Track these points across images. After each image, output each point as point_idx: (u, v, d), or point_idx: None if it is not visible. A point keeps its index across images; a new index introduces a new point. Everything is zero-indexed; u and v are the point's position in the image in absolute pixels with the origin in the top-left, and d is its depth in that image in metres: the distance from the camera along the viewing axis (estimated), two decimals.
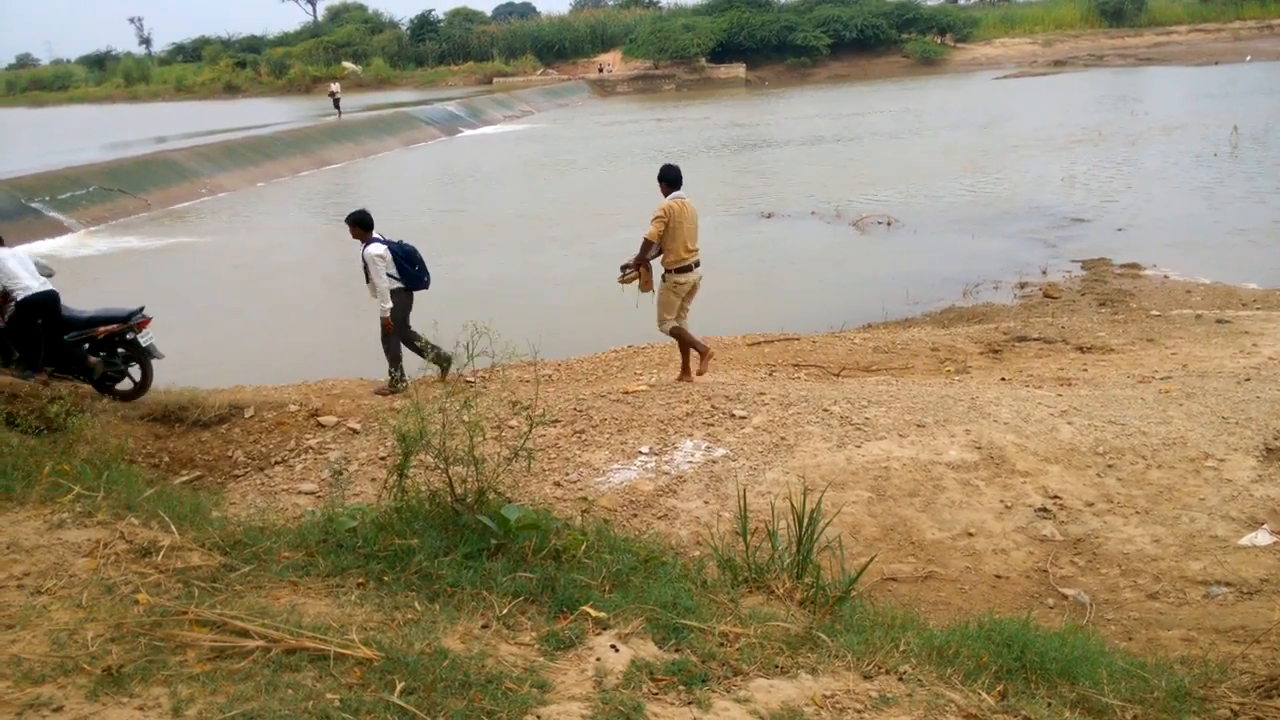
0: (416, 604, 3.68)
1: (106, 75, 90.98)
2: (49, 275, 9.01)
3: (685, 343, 8.53)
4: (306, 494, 6.94)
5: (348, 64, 79.37)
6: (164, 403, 8.40)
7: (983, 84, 57.66)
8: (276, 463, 7.69)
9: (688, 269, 8.02)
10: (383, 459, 7.28)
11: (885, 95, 53.56)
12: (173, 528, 4.18)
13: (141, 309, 9.04)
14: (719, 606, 4.04)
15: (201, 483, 7.38)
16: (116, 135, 40.10)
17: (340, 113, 45.03)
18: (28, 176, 23.66)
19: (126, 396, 8.99)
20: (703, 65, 70.40)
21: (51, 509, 4.47)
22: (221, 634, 3.23)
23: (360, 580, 3.85)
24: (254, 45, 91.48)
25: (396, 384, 8.91)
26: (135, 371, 8.97)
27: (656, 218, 7.89)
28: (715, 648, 3.60)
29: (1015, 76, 60.73)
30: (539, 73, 75.43)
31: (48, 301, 8.68)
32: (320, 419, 8.33)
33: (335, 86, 50.87)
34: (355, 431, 8.10)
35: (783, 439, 7.27)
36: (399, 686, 2.97)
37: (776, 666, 3.50)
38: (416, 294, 8.92)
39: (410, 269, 8.81)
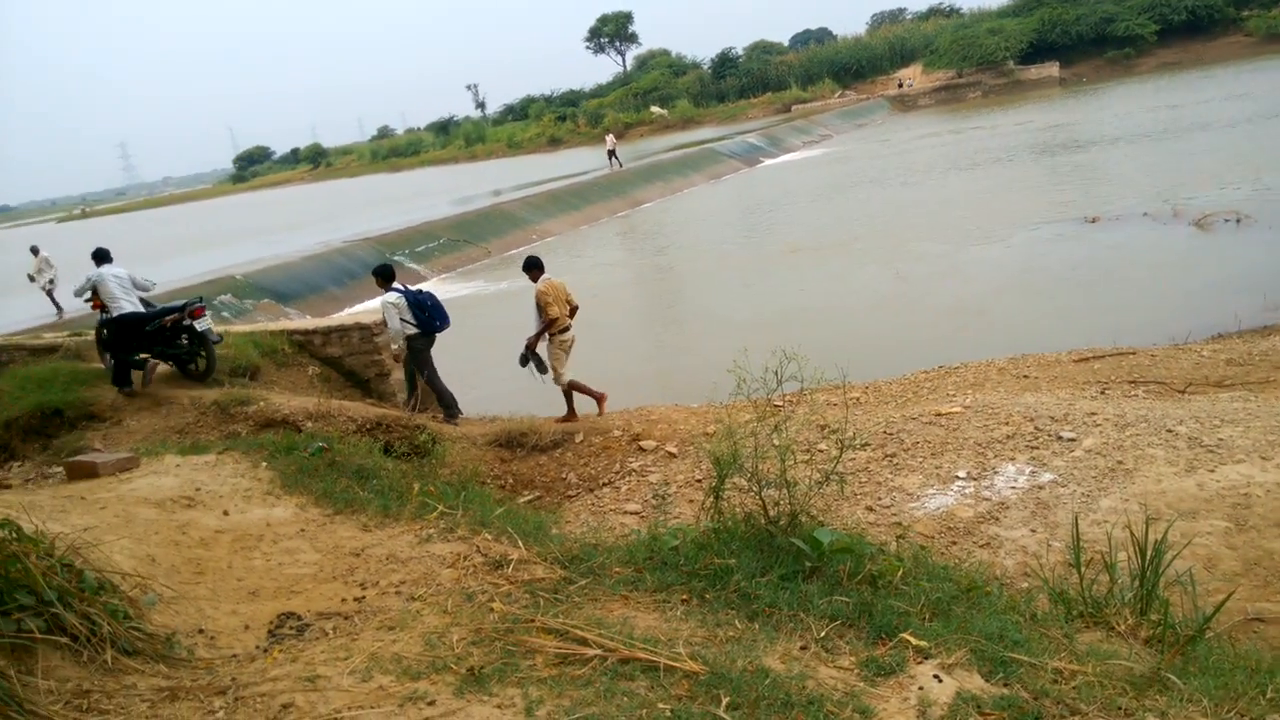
0: (737, 622, 3.82)
1: (449, 139, 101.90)
2: (145, 290, 10.71)
3: (581, 391, 9.84)
4: (631, 514, 7.37)
5: (655, 108, 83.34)
6: (508, 430, 9.29)
7: None
8: (604, 484, 8.23)
9: (567, 329, 9.65)
10: (699, 481, 7.57)
11: (1225, 80, 47.64)
12: (520, 543, 4.65)
13: (199, 299, 10.60)
14: (1051, 641, 3.82)
15: (541, 502, 8.06)
16: (459, 192, 44.75)
17: (619, 165, 41.95)
18: (390, 233, 27.12)
19: (198, 376, 10.55)
20: (1011, 68, 66.64)
21: (421, 525, 5.12)
22: (564, 642, 3.55)
23: (684, 596, 4.06)
24: (573, 99, 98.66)
25: (451, 415, 10.03)
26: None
27: (548, 302, 9.50)
28: (1048, 684, 3.42)
29: None
30: (836, 95, 74.93)
31: (133, 320, 10.29)
32: (641, 443, 8.81)
33: (610, 140, 45.81)
34: (673, 455, 8.49)
35: (1120, 463, 6.70)
36: (724, 701, 3.10)
37: (1119, 708, 3.26)
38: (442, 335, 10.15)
39: (421, 315, 9.83)
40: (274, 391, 10.26)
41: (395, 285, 10.03)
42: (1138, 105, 42.72)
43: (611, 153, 43.55)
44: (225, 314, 18.96)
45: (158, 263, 30.52)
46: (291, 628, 3.92)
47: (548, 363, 9.68)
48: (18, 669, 3.01)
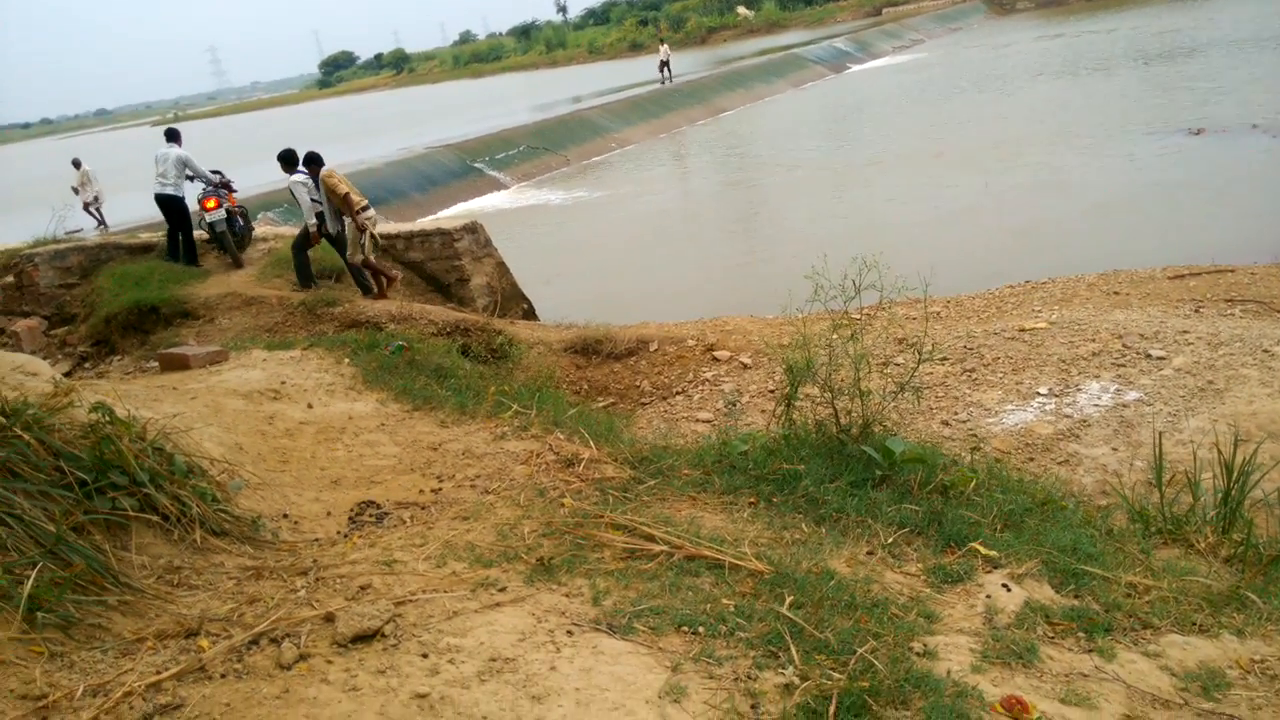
0: (803, 525, 3.84)
1: (531, 44, 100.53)
2: (202, 178, 11.63)
3: (376, 270, 10.41)
4: (703, 422, 7.41)
5: (741, 10, 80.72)
6: (583, 336, 9.37)
7: None
8: (677, 393, 8.27)
9: (367, 207, 10.17)
10: (771, 392, 7.55)
11: None
12: (591, 443, 4.72)
13: (209, 191, 11.42)
14: (1126, 556, 3.76)
15: (614, 409, 8.14)
16: (539, 98, 44.35)
17: (670, 79, 37.05)
18: (471, 140, 27.06)
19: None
20: None
21: (496, 423, 5.23)
22: (632, 537, 3.61)
23: (751, 499, 4.09)
24: (655, 3, 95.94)
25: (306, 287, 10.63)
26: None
27: (334, 184, 9.96)
28: (1121, 598, 3.38)
29: None
30: None
31: (165, 200, 11.38)
32: (715, 354, 8.80)
33: (664, 50, 38.83)
34: (746, 366, 8.47)
35: (1210, 383, 6.45)
36: (788, 600, 3.14)
37: (1194, 624, 3.21)
38: None
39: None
40: (359, 294, 10.48)
41: (299, 169, 10.51)
42: (1256, 10, 39.79)
43: (664, 64, 37.45)
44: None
45: (248, 166, 31.06)
46: (371, 515, 4.08)
47: (348, 238, 10.25)
48: (113, 544, 3.19)
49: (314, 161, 10.37)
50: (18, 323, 11.90)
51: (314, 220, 10.37)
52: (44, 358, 10.41)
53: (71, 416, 3.51)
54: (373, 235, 10.13)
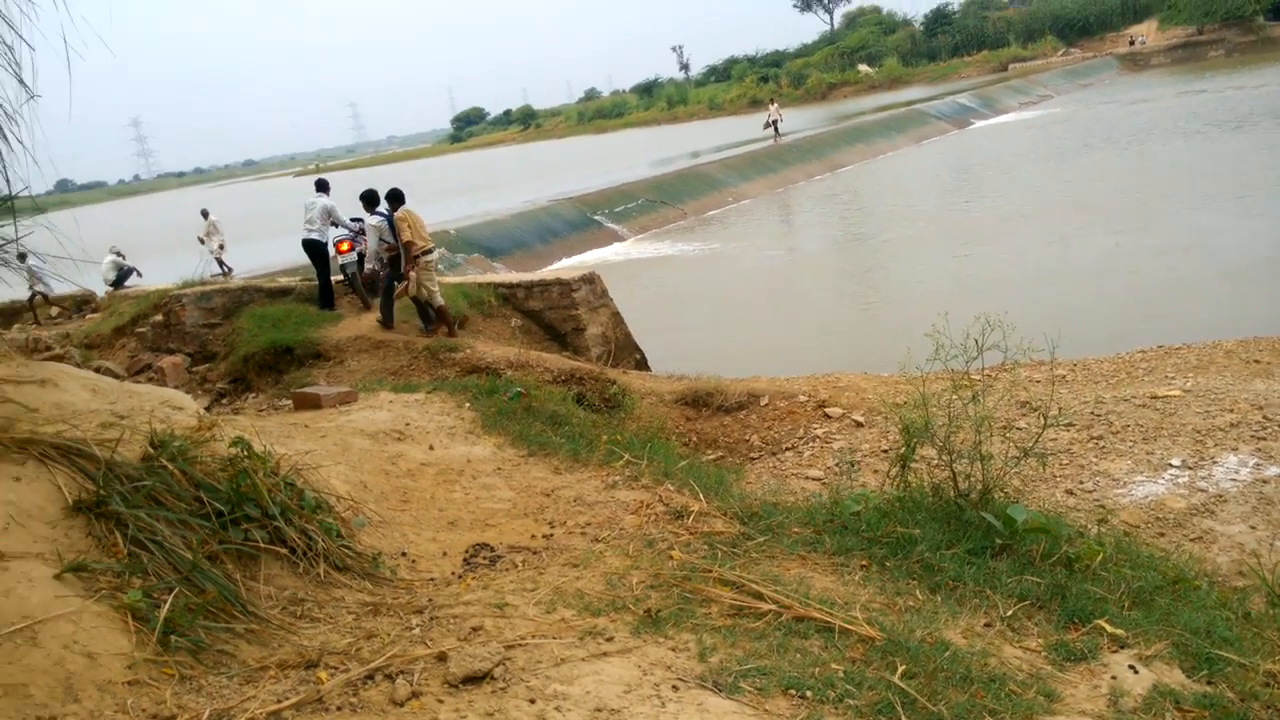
0: (918, 592, 3.74)
1: (653, 100, 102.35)
2: (346, 227, 12.10)
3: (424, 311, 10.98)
4: (813, 479, 7.30)
5: (862, 67, 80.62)
6: (694, 388, 9.40)
7: None
8: (787, 449, 8.19)
9: (429, 251, 10.78)
10: (885, 452, 7.40)
11: None
12: (700, 496, 4.72)
13: (343, 235, 12.01)
14: (1265, 643, 3.53)
15: (723, 462, 8.11)
16: (659, 153, 45.03)
17: (779, 137, 36.95)
18: (592, 194, 27.72)
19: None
20: (1260, 25, 60.22)
21: (607, 471, 5.30)
22: (740, 594, 3.59)
23: (863, 562, 4.01)
24: (776, 60, 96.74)
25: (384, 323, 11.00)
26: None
27: (404, 228, 10.51)
28: (1259, 687, 3.17)
29: None
30: (1059, 54, 69.95)
31: (309, 245, 12.03)
32: (827, 410, 8.69)
33: (773, 109, 38.83)
34: (859, 424, 8.33)
35: None
36: (900, 669, 3.06)
37: None
38: None
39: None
40: (479, 340, 10.81)
41: (379, 210, 10.90)
42: None
43: (773, 123, 37.57)
44: (439, 266, 20.00)
45: None
46: (485, 558, 4.18)
47: (414, 283, 10.65)
48: (243, 574, 3.35)
49: (395, 199, 10.79)
50: (163, 359, 12.69)
51: (376, 264, 10.99)
52: (185, 393, 11.06)
53: (213, 450, 3.73)
54: (422, 283, 10.61)
